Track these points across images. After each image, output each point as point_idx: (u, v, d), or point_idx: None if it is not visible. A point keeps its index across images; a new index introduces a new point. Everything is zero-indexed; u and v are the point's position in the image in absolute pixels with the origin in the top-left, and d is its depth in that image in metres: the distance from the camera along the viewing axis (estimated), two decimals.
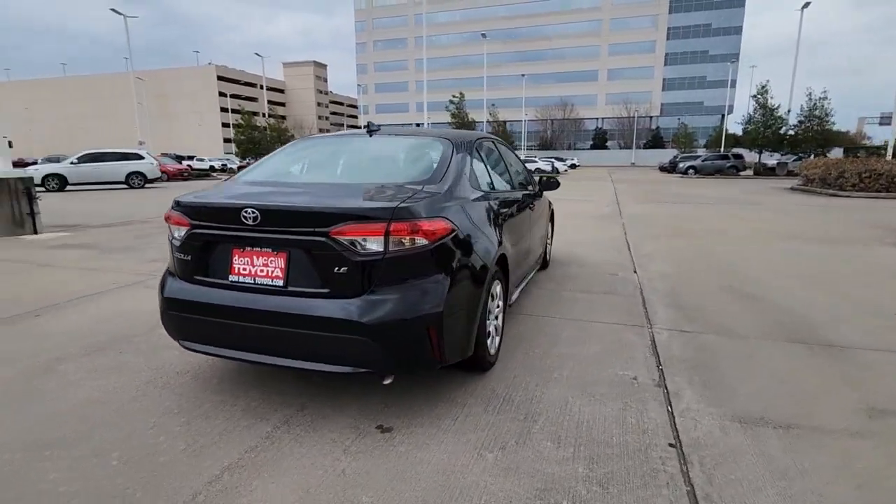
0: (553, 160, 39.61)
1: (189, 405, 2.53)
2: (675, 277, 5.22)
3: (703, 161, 32.26)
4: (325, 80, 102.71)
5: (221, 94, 79.89)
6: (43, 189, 17.34)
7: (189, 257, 2.42)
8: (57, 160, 21.51)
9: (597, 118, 71.88)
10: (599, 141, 70.77)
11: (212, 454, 2.12)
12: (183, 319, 2.45)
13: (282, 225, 2.23)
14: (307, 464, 2.06)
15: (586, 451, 2.15)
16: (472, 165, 3.04)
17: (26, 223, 8.01)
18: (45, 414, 2.45)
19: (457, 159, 2.88)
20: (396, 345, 2.19)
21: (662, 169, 39.62)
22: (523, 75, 62.35)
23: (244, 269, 2.31)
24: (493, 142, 3.90)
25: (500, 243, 2.90)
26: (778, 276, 5.18)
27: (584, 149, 72.10)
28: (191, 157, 45.96)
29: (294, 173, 3.01)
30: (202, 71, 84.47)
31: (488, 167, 3.42)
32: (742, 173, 31.32)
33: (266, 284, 2.27)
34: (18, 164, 20.06)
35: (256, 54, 49.02)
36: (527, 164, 5.45)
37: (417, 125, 77.56)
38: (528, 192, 4.28)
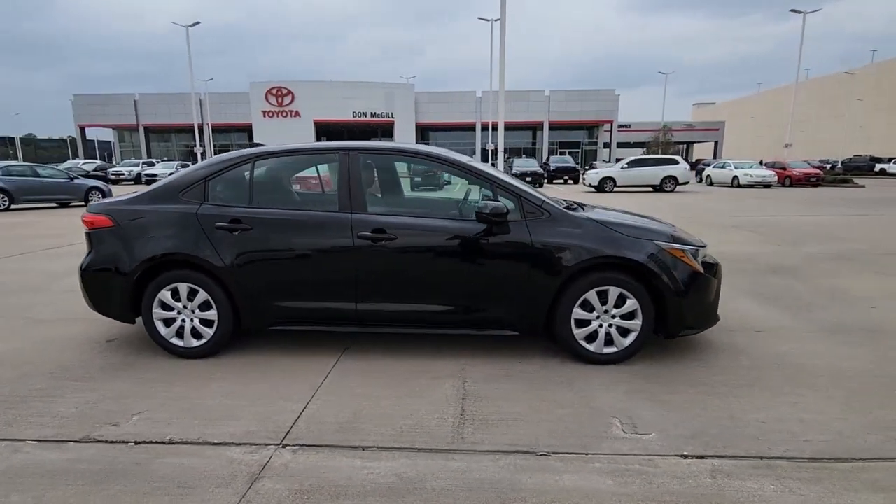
0: None
1: None
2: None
3: None
4: None
5: None
6: (592, 189, 21.67)
7: None
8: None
9: None
10: None
11: None
12: None
13: None
14: None
15: None
16: (208, 181, 3.34)
17: None
18: None
19: (196, 176, 3.39)
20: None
21: None
22: None
23: None
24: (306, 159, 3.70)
25: (176, 251, 3.23)
26: None
27: None
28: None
29: None
30: None
31: (258, 184, 3.40)
32: None
33: None
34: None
35: None
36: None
37: None
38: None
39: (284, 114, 48.31)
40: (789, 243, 7.74)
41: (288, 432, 2.46)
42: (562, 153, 50.87)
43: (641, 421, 2.54)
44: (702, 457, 2.24)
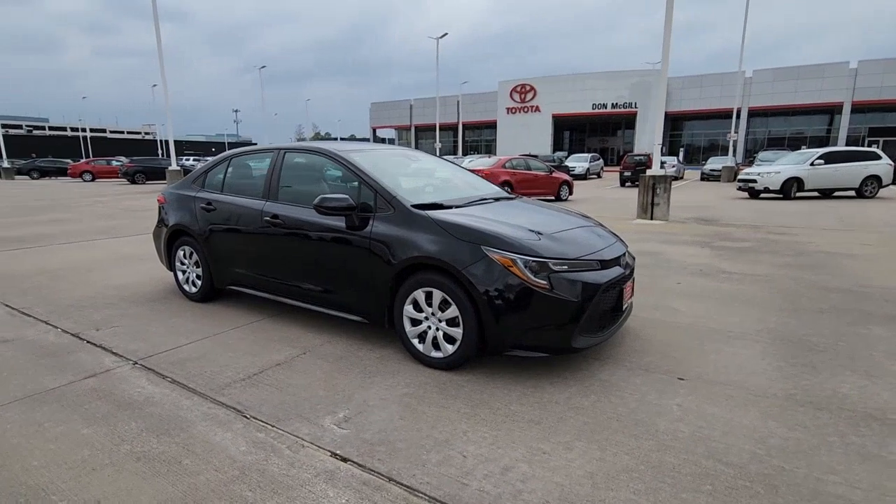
0: None
1: None
2: None
3: None
4: None
5: None
6: (777, 194, 15.06)
7: None
8: None
9: None
10: None
11: None
12: None
13: None
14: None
15: None
16: (207, 173, 4.50)
17: (649, 211, 10.32)
18: None
19: (202, 169, 4.61)
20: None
21: None
22: None
23: None
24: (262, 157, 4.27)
25: (181, 222, 4.50)
26: None
27: None
28: None
29: None
30: None
31: (228, 177, 4.37)
32: None
33: None
34: None
35: None
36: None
37: None
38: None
39: (525, 109, 50.47)
40: None
41: (150, 356, 3.39)
42: (872, 142, 38.73)
43: (363, 420, 2.55)
44: (345, 459, 2.21)
